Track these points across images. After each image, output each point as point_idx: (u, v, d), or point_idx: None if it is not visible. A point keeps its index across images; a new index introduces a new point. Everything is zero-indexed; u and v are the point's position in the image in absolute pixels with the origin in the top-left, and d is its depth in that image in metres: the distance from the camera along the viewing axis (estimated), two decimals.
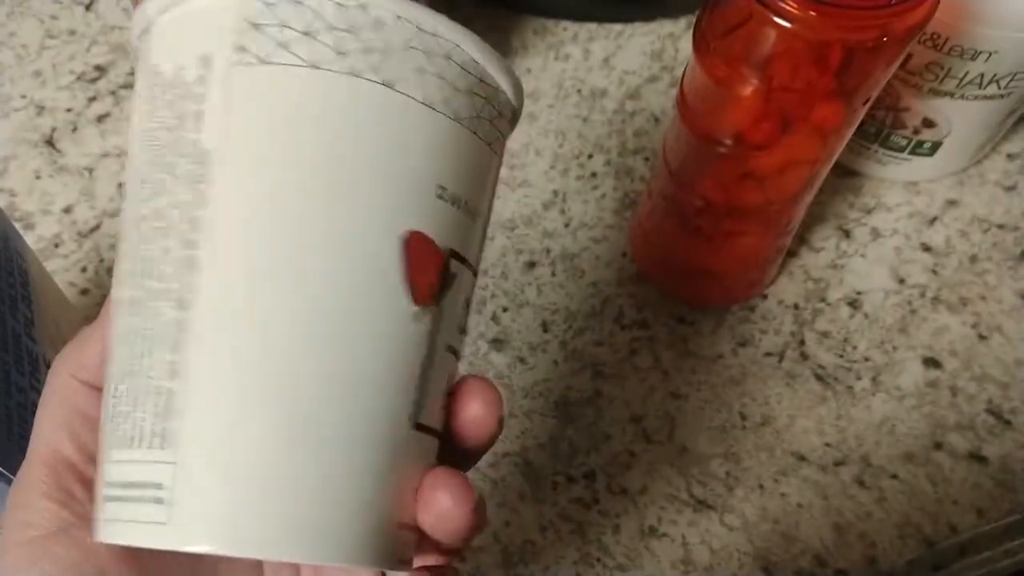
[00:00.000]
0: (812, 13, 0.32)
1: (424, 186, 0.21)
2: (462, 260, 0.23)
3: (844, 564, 0.42)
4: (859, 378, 0.46)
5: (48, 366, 0.33)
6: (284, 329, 0.20)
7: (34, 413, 0.30)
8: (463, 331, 0.24)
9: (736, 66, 0.36)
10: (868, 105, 0.37)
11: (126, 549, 0.22)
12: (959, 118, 0.47)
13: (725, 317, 0.48)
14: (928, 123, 0.48)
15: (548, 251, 0.49)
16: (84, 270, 0.47)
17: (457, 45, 0.22)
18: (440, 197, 0.22)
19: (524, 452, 0.44)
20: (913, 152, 0.50)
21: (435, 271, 0.22)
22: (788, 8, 0.32)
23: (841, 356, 0.47)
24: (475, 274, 0.24)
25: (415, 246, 0.22)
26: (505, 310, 0.47)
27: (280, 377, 0.20)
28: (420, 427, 0.22)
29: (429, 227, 0.21)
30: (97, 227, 0.48)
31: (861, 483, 0.44)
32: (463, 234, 0.23)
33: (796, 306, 0.48)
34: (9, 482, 0.29)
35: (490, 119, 0.23)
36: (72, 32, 0.54)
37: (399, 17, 0.21)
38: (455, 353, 0.23)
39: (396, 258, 0.21)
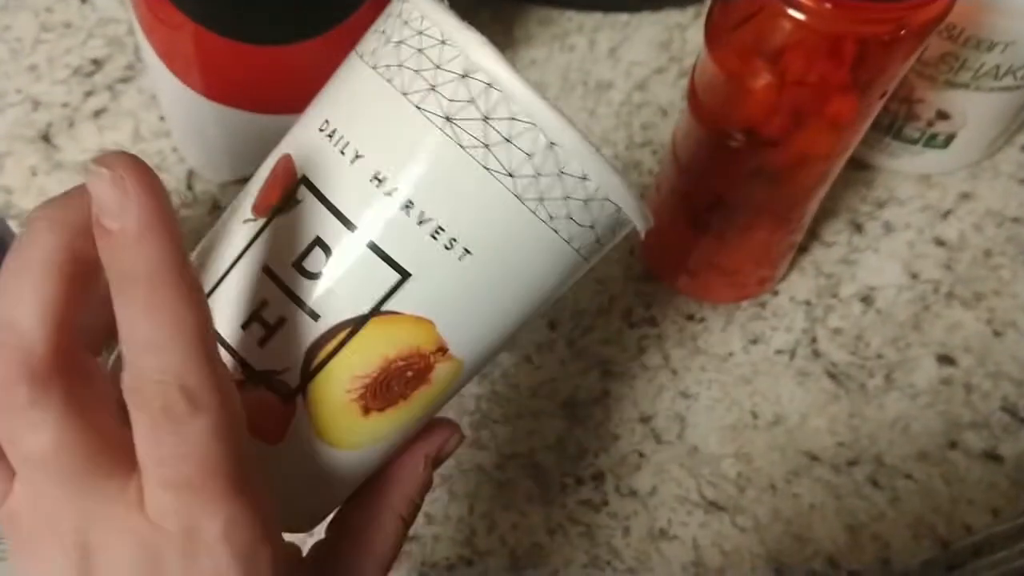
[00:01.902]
0: (827, 5, 0.31)
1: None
2: (317, 193, 0.23)
3: (857, 565, 0.42)
4: (872, 376, 0.45)
5: None
6: None
7: None
8: (305, 273, 0.23)
9: (748, 59, 0.35)
10: (884, 99, 0.36)
11: None
12: (974, 110, 0.46)
13: (735, 314, 0.47)
14: (942, 115, 0.47)
15: None
16: None
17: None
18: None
19: (531, 454, 0.43)
20: (927, 145, 0.49)
21: (279, 191, 0.24)
22: (803, 0, 0.31)
23: (854, 353, 0.46)
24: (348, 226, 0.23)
25: (280, 167, 0.24)
26: None
27: None
28: None
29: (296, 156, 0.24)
30: None
31: (874, 483, 0.43)
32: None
33: (808, 302, 0.47)
34: None
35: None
36: (68, 25, 0.53)
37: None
38: (276, 281, 0.23)
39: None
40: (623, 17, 0.55)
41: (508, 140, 0.22)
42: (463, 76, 0.22)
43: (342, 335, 0.23)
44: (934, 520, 0.43)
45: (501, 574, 0.41)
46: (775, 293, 0.48)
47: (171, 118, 0.48)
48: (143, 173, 0.20)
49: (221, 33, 0.39)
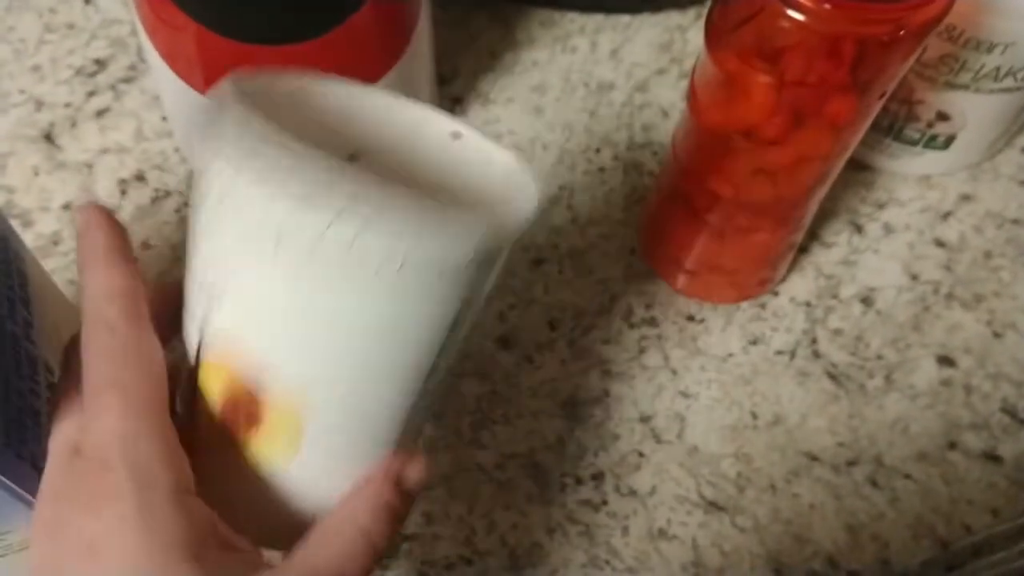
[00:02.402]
0: (826, 6, 0.31)
1: None
2: None
3: (857, 565, 0.42)
4: (872, 376, 0.46)
5: (48, 370, 0.32)
6: None
7: (34, 418, 0.30)
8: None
9: (748, 59, 0.35)
10: (884, 100, 0.36)
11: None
12: (974, 111, 0.46)
13: (735, 315, 0.47)
14: (942, 116, 0.47)
15: (555, 247, 0.48)
16: None
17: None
18: None
19: (531, 453, 0.43)
20: (927, 146, 0.49)
21: None
22: (802, 1, 0.31)
23: (854, 354, 0.46)
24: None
25: None
26: (512, 308, 0.46)
27: None
28: None
29: None
30: None
31: (874, 483, 0.43)
32: None
33: (808, 303, 0.47)
34: (8, 490, 0.28)
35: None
36: (71, 26, 0.54)
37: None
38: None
39: None
40: (624, 19, 0.55)
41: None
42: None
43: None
44: (934, 520, 0.43)
45: (501, 573, 0.41)
46: (775, 294, 0.48)
47: (173, 118, 0.48)
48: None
49: (223, 34, 0.39)
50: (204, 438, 0.27)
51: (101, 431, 0.24)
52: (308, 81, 0.29)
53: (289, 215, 0.23)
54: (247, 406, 0.26)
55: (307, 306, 0.24)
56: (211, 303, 0.26)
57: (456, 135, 0.30)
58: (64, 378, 0.27)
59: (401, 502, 0.28)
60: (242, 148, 0.23)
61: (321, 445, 0.27)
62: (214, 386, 0.27)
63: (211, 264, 0.25)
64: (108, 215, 0.28)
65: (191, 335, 0.27)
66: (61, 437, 0.26)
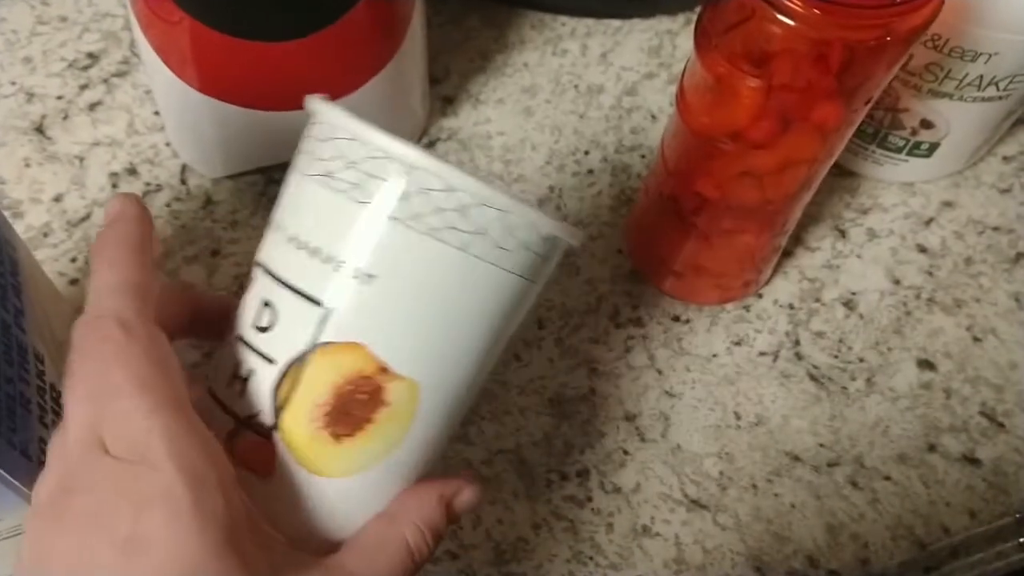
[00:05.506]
0: (815, 11, 0.32)
1: None
2: (258, 264, 0.29)
3: (836, 565, 0.42)
4: (853, 379, 0.46)
5: (38, 357, 0.32)
6: None
7: (24, 406, 0.30)
8: (261, 329, 0.28)
9: (737, 63, 0.36)
10: (869, 105, 0.37)
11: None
12: (957, 120, 0.47)
13: (720, 316, 0.47)
14: (926, 124, 0.48)
15: None
16: (74, 260, 0.47)
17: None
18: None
19: (518, 449, 0.44)
20: (910, 153, 0.49)
21: None
22: (791, 5, 0.32)
23: (836, 357, 0.47)
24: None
25: None
26: None
27: None
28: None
29: None
30: (87, 216, 0.48)
31: (854, 484, 0.44)
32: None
33: (791, 306, 0.48)
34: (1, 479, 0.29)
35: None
36: (64, 19, 0.54)
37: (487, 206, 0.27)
38: (244, 342, 0.28)
39: None
40: (615, 23, 0.56)
41: (372, 176, 0.27)
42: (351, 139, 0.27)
43: (294, 373, 0.27)
44: (912, 521, 0.43)
45: (485, 568, 0.41)
46: (759, 296, 0.48)
47: (166, 113, 0.49)
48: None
49: (217, 29, 0.39)
50: (291, 434, 0.28)
51: (133, 428, 0.24)
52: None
53: (444, 200, 0.26)
54: (374, 389, 0.27)
55: (437, 297, 0.27)
56: (337, 298, 0.27)
57: None
58: (74, 369, 0.26)
59: (447, 524, 0.29)
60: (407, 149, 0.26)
61: (427, 427, 0.28)
62: (325, 381, 0.27)
63: (344, 259, 0.27)
64: (143, 209, 0.29)
65: (286, 331, 0.27)
66: (80, 431, 0.25)
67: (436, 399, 0.28)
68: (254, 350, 0.28)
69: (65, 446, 0.25)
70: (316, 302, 0.27)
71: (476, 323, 0.28)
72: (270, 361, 0.28)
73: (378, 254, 0.26)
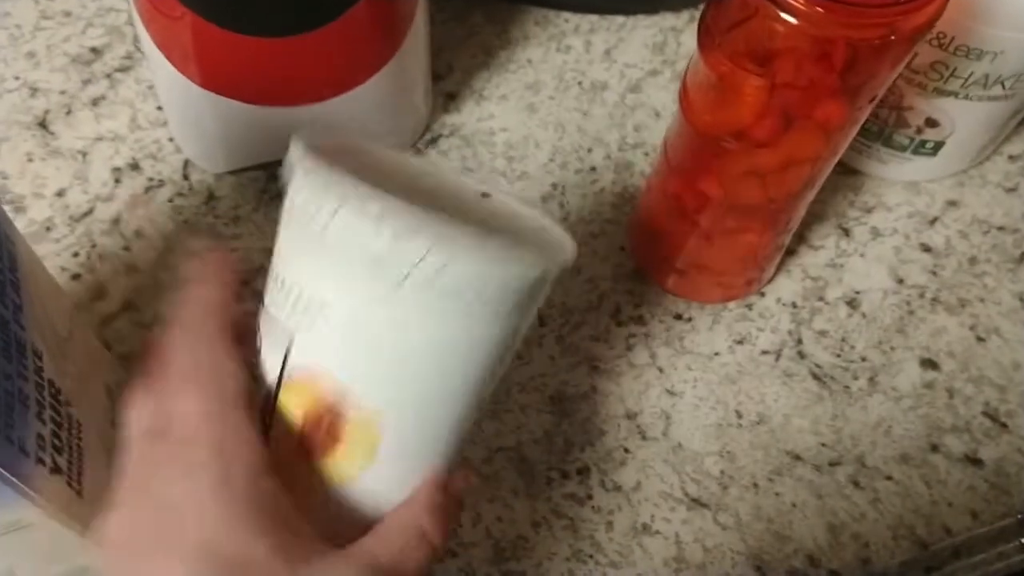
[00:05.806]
0: (819, 9, 0.32)
1: None
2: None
3: (837, 564, 0.42)
4: (856, 378, 0.46)
5: (37, 354, 0.32)
6: None
7: (22, 402, 0.30)
8: (257, 353, 0.29)
9: (740, 62, 0.35)
10: (874, 104, 0.37)
11: None
12: (962, 118, 0.47)
13: (722, 314, 0.47)
14: (931, 123, 0.47)
15: None
16: (76, 255, 0.47)
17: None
18: None
19: (518, 447, 0.44)
20: (915, 152, 0.49)
21: None
22: (795, 3, 0.32)
23: (838, 356, 0.47)
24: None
25: None
26: None
27: None
28: None
29: None
30: (90, 211, 0.48)
31: (856, 483, 0.44)
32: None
33: (794, 304, 0.48)
34: None
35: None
36: (67, 13, 0.54)
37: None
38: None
39: None
40: (619, 19, 0.56)
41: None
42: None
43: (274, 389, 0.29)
44: (914, 522, 0.43)
45: (485, 566, 0.41)
46: (762, 295, 0.48)
47: (168, 108, 0.49)
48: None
49: (220, 24, 0.39)
50: (278, 450, 0.29)
51: (185, 413, 0.27)
52: (345, 145, 0.31)
53: (390, 245, 0.25)
54: (329, 425, 0.28)
55: (393, 332, 0.27)
56: (299, 328, 0.27)
57: (485, 195, 0.33)
58: (140, 372, 0.29)
59: (452, 505, 0.30)
60: (348, 187, 0.26)
61: (392, 459, 0.29)
62: (295, 405, 0.28)
63: (304, 291, 0.27)
64: (230, 272, 0.31)
65: (270, 358, 0.29)
66: (139, 426, 0.28)
67: (402, 421, 0.29)
68: (252, 372, 0.29)
69: (129, 443, 0.28)
70: (281, 324, 0.28)
71: (437, 359, 0.28)
72: (259, 382, 0.29)
73: (330, 285, 0.27)
